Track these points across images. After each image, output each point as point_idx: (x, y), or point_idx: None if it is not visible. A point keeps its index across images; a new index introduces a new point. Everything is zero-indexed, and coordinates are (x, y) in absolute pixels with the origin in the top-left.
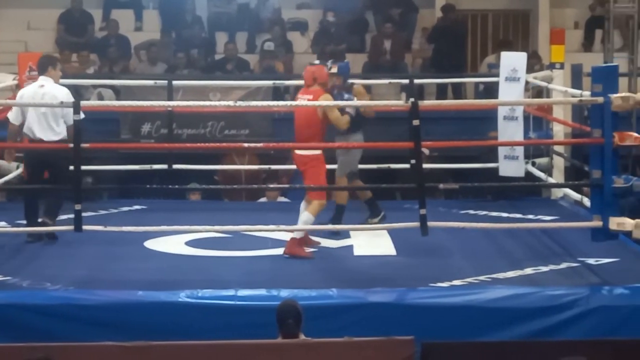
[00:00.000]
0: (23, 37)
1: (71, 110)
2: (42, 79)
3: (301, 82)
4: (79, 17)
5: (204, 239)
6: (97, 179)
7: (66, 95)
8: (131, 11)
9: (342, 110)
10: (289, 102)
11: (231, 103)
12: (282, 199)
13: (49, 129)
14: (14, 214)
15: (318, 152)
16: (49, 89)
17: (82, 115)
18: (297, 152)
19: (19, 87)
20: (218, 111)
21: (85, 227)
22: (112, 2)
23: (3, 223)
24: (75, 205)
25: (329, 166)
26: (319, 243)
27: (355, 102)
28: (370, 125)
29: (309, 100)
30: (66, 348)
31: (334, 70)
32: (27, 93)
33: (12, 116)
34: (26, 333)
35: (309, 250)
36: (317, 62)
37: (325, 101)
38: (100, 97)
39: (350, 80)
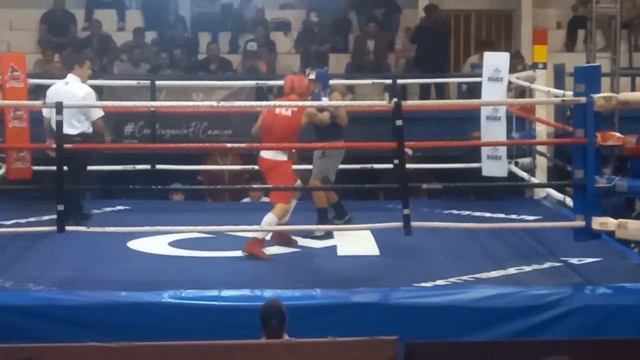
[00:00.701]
0: (5, 38)
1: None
2: (69, 77)
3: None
4: (61, 17)
5: (187, 239)
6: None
7: (85, 94)
8: (114, 11)
9: (321, 110)
10: (272, 103)
11: (214, 103)
12: (265, 199)
13: (68, 125)
14: None
15: (285, 158)
16: (71, 87)
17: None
18: (265, 155)
19: (1, 87)
20: (201, 111)
21: (68, 228)
22: (94, 2)
23: None
24: (58, 206)
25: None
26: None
27: (333, 103)
28: (353, 125)
29: (286, 110)
30: (49, 349)
31: (312, 76)
32: (53, 89)
33: (46, 111)
34: (9, 334)
35: (268, 252)
36: (309, 68)
37: (301, 108)
38: None
39: (333, 82)
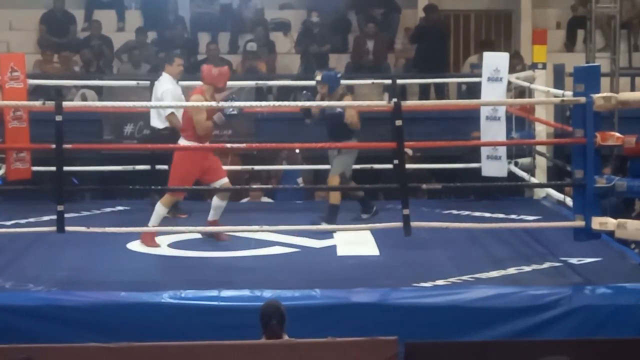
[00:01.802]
0: (5, 38)
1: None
2: (162, 74)
3: (283, 82)
4: (61, 18)
5: (187, 240)
6: (79, 180)
7: (163, 92)
8: (113, 11)
9: (219, 113)
10: (271, 103)
11: (214, 104)
12: (265, 199)
13: (157, 118)
14: None
15: (188, 144)
16: (157, 84)
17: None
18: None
19: (0, 88)
20: None
21: (67, 228)
22: (94, 2)
23: None
24: (58, 206)
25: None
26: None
27: (317, 103)
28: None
29: (189, 94)
30: (48, 349)
31: (318, 77)
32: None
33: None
34: (8, 334)
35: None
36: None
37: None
38: (84, 98)
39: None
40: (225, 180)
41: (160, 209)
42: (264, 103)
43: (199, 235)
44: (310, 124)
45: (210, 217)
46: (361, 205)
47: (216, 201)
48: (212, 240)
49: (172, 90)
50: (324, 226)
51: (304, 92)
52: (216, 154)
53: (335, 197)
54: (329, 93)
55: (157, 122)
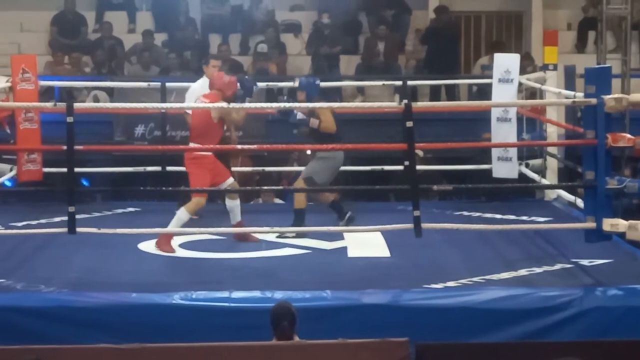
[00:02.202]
0: (16, 39)
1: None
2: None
3: (294, 84)
4: (72, 19)
5: (198, 241)
6: (91, 181)
7: (188, 93)
8: (124, 13)
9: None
10: (282, 104)
11: (224, 105)
12: (277, 200)
13: None
14: (7, 216)
15: (198, 153)
16: (192, 84)
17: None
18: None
19: (12, 89)
20: None
21: (78, 230)
22: (105, 3)
23: None
24: (69, 208)
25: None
26: (258, 239)
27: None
28: (363, 126)
29: (210, 101)
30: (59, 350)
31: (296, 84)
32: None
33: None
34: (20, 335)
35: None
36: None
37: (219, 104)
38: (96, 99)
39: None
40: (231, 181)
41: (183, 215)
42: (274, 104)
43: (209, 236)
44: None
45: (233, 221)
46: (336, 212)
47: (229, 202)
48: (225, 241)
49: (196, 90)
50: (335, 227)
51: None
52: (226, 156)
53: (299, 202)
54: (307, 100)
55: None
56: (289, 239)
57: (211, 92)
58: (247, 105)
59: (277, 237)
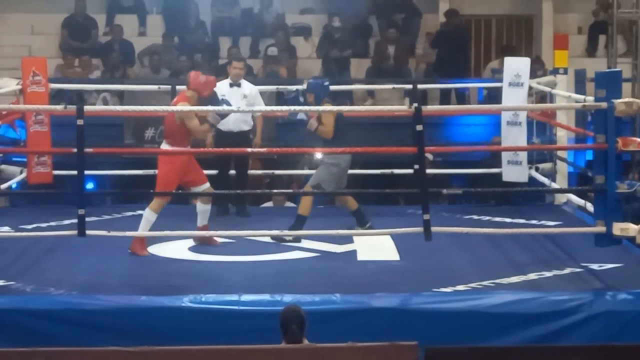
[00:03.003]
0: (27, 42)
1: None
2: None
3: (304, 87)
4: (82, 22)
5: (207, 244)
6: (100, 184)
7: None
8: (135, 16)
9: (202, 119)
10: (292, 107)
11: (234, 108)
12: (289, 204)
13: (243, 122)
14: (17, 219)
15: (168, 147)
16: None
17: None
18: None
19: (22, 92)
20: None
21: (88, 232)
22: (115, 6)
23: (6, 228)
24: (79, 210)
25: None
26: (218, 243)
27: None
28: (373, 130)
29: (174, 102)
30: (68, 353)
31: (304, 86)
32: None
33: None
34: (29, 338)
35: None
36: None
37: (183, 107)
38: (106, 102)
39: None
40: (207, 185)
41: (149, 215)
42: (284, 107)
43: (219, 239)
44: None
45: (199, 223)
46: (355, 218)
47: (200, 206)
48: (235, 244)
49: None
50: (345, 231)
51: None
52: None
53: (303, 208)
54: (315, 102)
55: (244, 125)
56: (286, 243)
57: (184, 92)
58: (262, 108)
59: (272, 238)
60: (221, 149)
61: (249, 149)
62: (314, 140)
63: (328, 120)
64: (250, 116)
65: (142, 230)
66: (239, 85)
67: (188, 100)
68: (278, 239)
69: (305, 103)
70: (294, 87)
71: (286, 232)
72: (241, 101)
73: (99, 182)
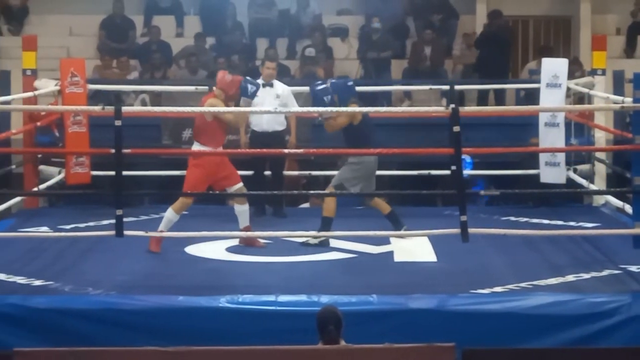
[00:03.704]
0: (65, 43)
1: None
2: None
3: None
4: (120, 23)
5: (245, 245)
6: (138, 185)
7: None
8: (172, 17)
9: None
10: (329, 108)
11: (271, 109)
12: None
13: (277, 122)
14: (55, 219)
15: (203, 149)
16: None
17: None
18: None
19: (61, 93)
20: None
21: (126, 233)
22: (153, 8)
23: (45, 228)
24: (117, 211)
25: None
26: (264, 245)
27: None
28: (410, 131)
29: (202, 101)
30: (105, 353)
31: (327, 85)
32: None
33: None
34: (68, 338)
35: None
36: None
37: (211, 107)
38: (144, 103)
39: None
40: (240, 185)
41: (171, 215)
42: (321, 109)
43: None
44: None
45: (241, 225)
46: (390, 222)
47: (238, 207)
48: (272, 245)
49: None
50: (382, 232)
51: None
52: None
53: (328, 210)
54: (340, 103)
55: (278, 125)
56: (312, 246)
57: (211, 92)
58: (297, 109)
59: (301, 244)
60: (257, 149)
61: (286, 150)
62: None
63: (341, 120)
64: (283, 116)
65: (162, 229)
66: (271, 85)
67: (216, 98)
68: (305, 243)
69: (332, 102)
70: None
71: (322, 233)
72: (274, 101)
73: (137, 183)
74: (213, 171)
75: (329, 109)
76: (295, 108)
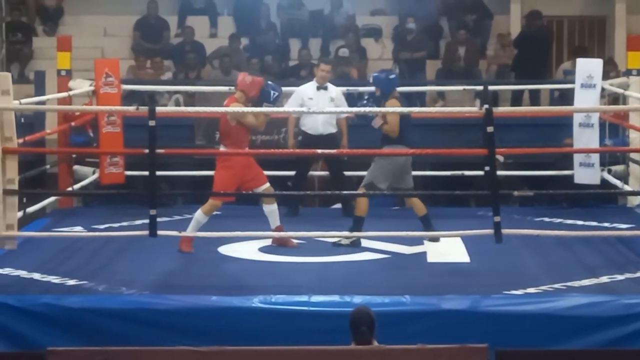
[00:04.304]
0: (99, 44)
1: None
2: None
3: (374, 88)
4: (154, 24)
5: (278, 245)
6: (171, 185)
7: (293, 96)
8: (206, 17)
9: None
10: (362, 109)
11: (304, 109)
12: None
13: (330, 124)
14: (90, 219)
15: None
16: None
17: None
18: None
19: (95, 93)
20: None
21: (160, 233)
22: (187, 8)
23: (79, 228)
24: (150, 211)
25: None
26: (297, 245)
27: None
28: (444, 131)
29: (225, 104)
30: (138, 352)
31: (370, 80)
32: None
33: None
34: (101, 337)
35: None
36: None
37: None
38: (178, 104)
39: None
40: (267, 186)
41: (200, 217)
42: (354, 109)
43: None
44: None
45: (272, 225)
46: (422, 224)
47: (267, 207)
48: (304, 245)
49: (300, 92)
50: (415, 233)
51: (365, 98)
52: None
53: (359, 209)
54: (382, 96)
55: (331, 127)
56: (344, 247)
57: (233, 94)
58: (329, 110)
59: (333, 244)
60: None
61: (319, 150)
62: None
63: (393, 118)
64: (335, 119)
65: (191, 230)
66: (325, 88)
67: (237, 100)
68: (336, 243)
69: (374, 98)
70: (365, 94)
71: (356, 233)
72: (329, 104)
73: (170, 183)
74: (241, 173)
75: (367, 109)
76: (351, 109)
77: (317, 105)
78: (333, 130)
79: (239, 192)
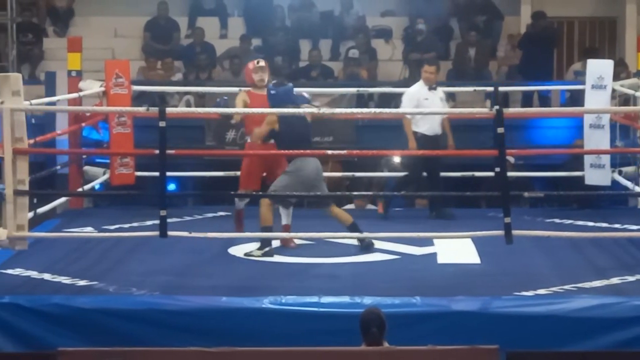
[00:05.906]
0: (110, 45)
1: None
2: None
3: (384, 89)
4: (164, 25)
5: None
6: (182, 186)
7: (404, 97)
8: (216, 19)
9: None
10: (372, 110)
11: (315, 110)
12: (371, 206)
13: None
14: (100, 219)
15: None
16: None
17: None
18: None
19: (105, 94)
20: None
21: (170, 233)
22: (197, 9)
23: (89, 228)
24: (161, 211)
25: None
26: (295, 245)
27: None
28: (454, 132)
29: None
30: (148, 353)
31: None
32: None
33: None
34: (111, 338)
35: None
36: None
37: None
38: (188, 104)
39: None
40: None
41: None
42: (364, 110)
43: (299, 241)
44: None
45: (283, 222)
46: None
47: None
48: (315, 246)
49: (411, 93)
50: (426, 233)
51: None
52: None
53: (264, 219)
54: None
55: (440, 128)
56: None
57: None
58: (338, 110)
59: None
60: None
61: (329, 151)
62: (394, 143)
63: (263, 129)
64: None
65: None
66: (435, 88)
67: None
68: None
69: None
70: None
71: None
72: (440, 104)
73: (181, 184)
74: (263, 159)
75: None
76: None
77: (432, 105)
78: (441, 131)
79: (255, 192)
